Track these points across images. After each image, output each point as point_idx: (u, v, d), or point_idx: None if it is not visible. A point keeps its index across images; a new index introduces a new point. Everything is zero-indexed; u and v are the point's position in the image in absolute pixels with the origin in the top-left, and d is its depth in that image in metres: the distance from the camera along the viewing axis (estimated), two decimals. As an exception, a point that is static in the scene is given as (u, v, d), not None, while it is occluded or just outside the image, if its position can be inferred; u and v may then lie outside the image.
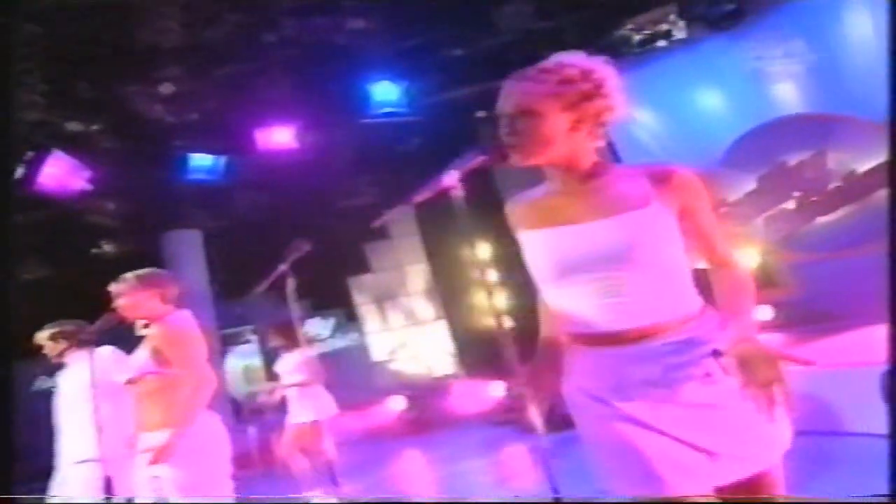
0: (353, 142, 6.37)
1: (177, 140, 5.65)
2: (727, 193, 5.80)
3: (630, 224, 1.16)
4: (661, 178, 1.20)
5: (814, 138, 5.60)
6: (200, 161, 6.16)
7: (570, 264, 1.19)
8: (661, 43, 5.91)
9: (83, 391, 2.90)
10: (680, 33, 5.90)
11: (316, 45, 5.05)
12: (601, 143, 1.24)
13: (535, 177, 1.31)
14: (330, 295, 8.09)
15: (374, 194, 7.67)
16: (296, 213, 6.98)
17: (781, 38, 5.81)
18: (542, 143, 1.19)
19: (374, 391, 7.04)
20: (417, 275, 8.11)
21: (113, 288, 2.51)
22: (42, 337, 3.28)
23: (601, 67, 1.21)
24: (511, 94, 1.22)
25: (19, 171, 4.79)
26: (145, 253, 8.36)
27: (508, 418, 5.90)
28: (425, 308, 8.13)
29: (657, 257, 1.15)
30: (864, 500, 1.68)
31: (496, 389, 6.30)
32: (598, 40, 5.99)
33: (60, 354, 3.15)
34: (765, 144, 5.74)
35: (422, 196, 1.40)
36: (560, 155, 1.21)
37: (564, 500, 1.33)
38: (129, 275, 2.52)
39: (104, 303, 2.87)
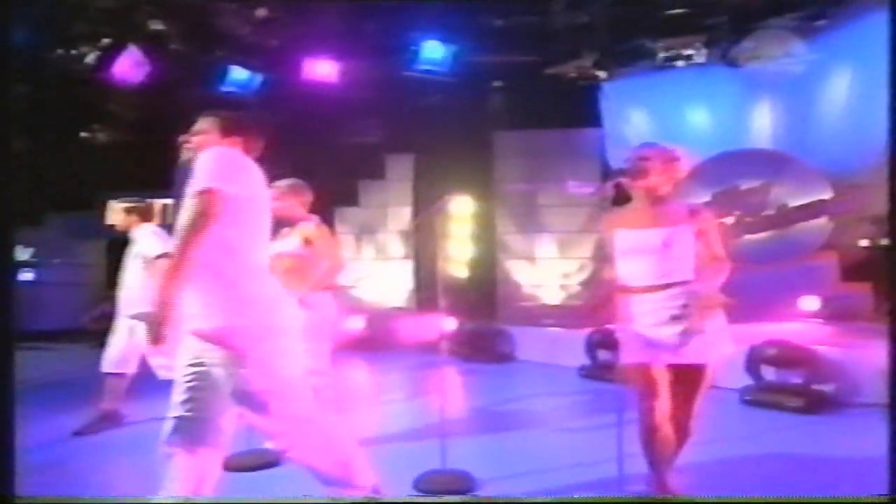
0: (383, 88, 7.54)
1: (231, 54, 6.62)
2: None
3: (670, 233, 2.46)
4: (692, 212, 2.52)
5: (766, 171, 7.31)
6: (238, 74, 7.21)
7: (636, 249, 2.52)
8: (680, 63, 7.24)
9: (142, 257, 4.05)
10: (699, 59, 7.21)
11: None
12: (670, 188, 2.55)
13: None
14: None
15: (377, 137, 8.90)
16: (305, 140, 8.15)
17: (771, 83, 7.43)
18: (646, 174, 2.50)
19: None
20: (399, 216, 9.47)
21: None
22: (116, 209, 4.25)
23: (679, 151, 2.60)
24: (640, 149, 2.59)
25: (92, 56, 5.76)
26: (135, 148, 9.29)
27: (450, 349, 7.41)
28: (397, 246, 9.52)
29: (677, 250, 2.51)
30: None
31: (448, 323, 7.73)
32: (624, 44, 7.38)
33: (129, 226, 4.15)
34: (727, 168, 7.36)
35: (598, 192, 2.69)
36: (651, 185, 2.52)
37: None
38: (282, 182, 3.55)
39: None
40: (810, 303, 6.33)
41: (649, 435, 2.48)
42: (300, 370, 2.12)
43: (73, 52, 5.77)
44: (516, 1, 7.11)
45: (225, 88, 7.27)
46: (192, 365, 2.05)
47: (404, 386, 5.89)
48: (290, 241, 3.56)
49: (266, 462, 3.13)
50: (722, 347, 2.52)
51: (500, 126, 8.78)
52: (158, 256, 3.88)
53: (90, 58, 5.78)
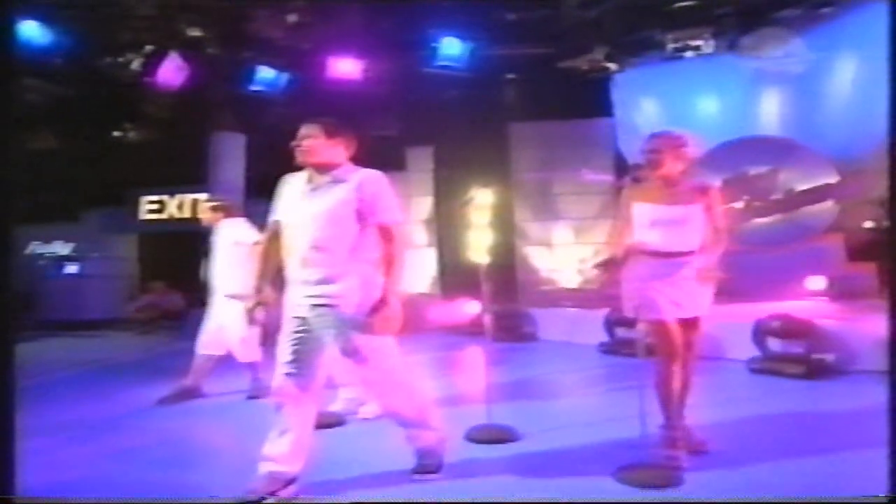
0: (404, 84, 8.01)
1: (259, 54, 7.12)
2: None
3: (685, 211, 2.87)
4: (703, 189, 2.93)
5: (774, 157, 7.72)
6: (265, 74, 7.71)
7: (656, 222, 2.91)
8: (689, 54, 7.61)
9: (232, 246, 4.69)
10: (708, 49, 7.58)
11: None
12: (682, 168, 2.99)
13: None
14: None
15: (396, 129, 9.37)
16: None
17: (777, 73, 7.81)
18: (661, 165, 2.94)
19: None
20: (422, 206, 9.97)
21: None
22: (204, 206, 5.02)
23: (688, 135, 3.02)
24: (650, 140, 3.00)
25: (136, 63, 6.28)
26: (164, 146, 9.82)
27: (474, 330, 7.86)
28: (421, 235, 10.03)
29: (691, 225, 2.94)
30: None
31: (471, 307, 8.20)
32: (634, 35, 7.78)
33: (216, 221, 4.80)
34: (737, 154, 7.76)
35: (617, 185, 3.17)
36: (666, 172, 2.92)
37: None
38: None
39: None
40: (817, 282, 6.78)
41: (665, 384, 2.90)
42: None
43: (120, 59, 6.29)
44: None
45: (253, 87, 7.78)
46: (298, 331, 2.58)
47: (434, 364, 6.39)
48: None
49: (332, 422, 3.66)
50: (708, 304, 3.01)
51: (516, 117, 9.23)
52: (256, 243, 4.50)
53: (135, 64, 6.30)
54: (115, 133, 10.29)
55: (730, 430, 3.47)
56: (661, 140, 2.99)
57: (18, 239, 5.12)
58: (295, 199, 2.67)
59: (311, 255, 2.57)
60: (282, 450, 2.57)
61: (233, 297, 4.55)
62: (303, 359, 2.58)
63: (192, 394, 4.61)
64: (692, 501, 2.54)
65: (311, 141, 2.66)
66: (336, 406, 3.83)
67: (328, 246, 2.55)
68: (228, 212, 4.89)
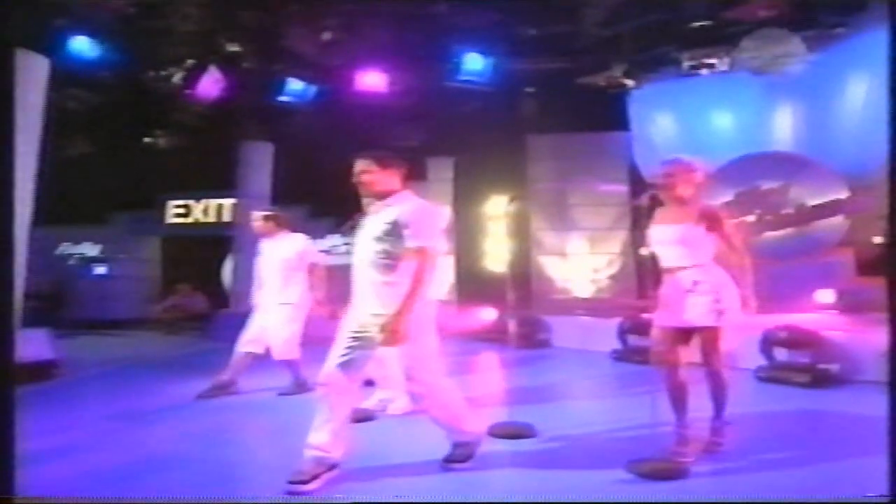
0: (426, 96, 8.35)
1: (290, 67, 7.50)
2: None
3: (683, 229, 3.20)
4: (703, 211, 3.20)
5: (785, 173, 7.95)
6: (294, 86, 8.07)
7: (665, 240, 3.21)
8: (704, 71, 7.88)
9: (287, 259, 4.99)
10: (722, 67, 7.83)
11: (427, 14, 6.98)
12: (692, 191, 3.28)
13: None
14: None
15: (418, 140, 9.71)
16: (352, 143, 9.01)
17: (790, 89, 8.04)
18: (674, 188, 3.24)
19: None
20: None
21: None
22: (257, 215, 5.22)
23: (696, 162, 3.33)
24: (664, 166, 3.32)
25: (177, 76, 6.67)
26: (192, 152, 10.21)
27: (490, 337, 8.13)
28: (440, 243, 10.31)
29: (693, 241, 3.18)
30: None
31: (488, 314, 8.45)
32: (651, 52, 8.07)
33: (268, 231, 5.05)
34: (749, 169, 8.01)
35: (636, 202, 3.53)
36: (677, 194, 3.26)
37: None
38: None
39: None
40: (827, 296, 6.99)
41: (668, 387, 3.18)
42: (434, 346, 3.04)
43: (163, 72, 6.70)
44: (550, 14, 7.85)
45: (282, 98, 8.15)
46: (356, 331, 2.95)
47: (453, 368, 6.67)
48: None
49: (363, 417, 3.96)
50: (732, 316, 3.15)
51: (534, 130, 9.54)
52: (315, 263, 4.96)
53: (176, 77, 6.70)
54: (146, 140, 10.69)
55: (737, 434, 3.72)
56: (675, 166, 3.32)
57: (22, 241, 5.37)
58: (361, 222, 3.08)
59: (366, 268, 2.96)
60: (326, 437, 2.88)
61: (284, 304, 4.89)
62: (354, 357, 2.92)
63: (228, 388, 4.94)
64: (700, 501, 2.72)
65: (368, 175, 3.02)
66: (369, 403, 4.14)
67: (379, 261, 2.93)
68: (281, 223, 5.10)
